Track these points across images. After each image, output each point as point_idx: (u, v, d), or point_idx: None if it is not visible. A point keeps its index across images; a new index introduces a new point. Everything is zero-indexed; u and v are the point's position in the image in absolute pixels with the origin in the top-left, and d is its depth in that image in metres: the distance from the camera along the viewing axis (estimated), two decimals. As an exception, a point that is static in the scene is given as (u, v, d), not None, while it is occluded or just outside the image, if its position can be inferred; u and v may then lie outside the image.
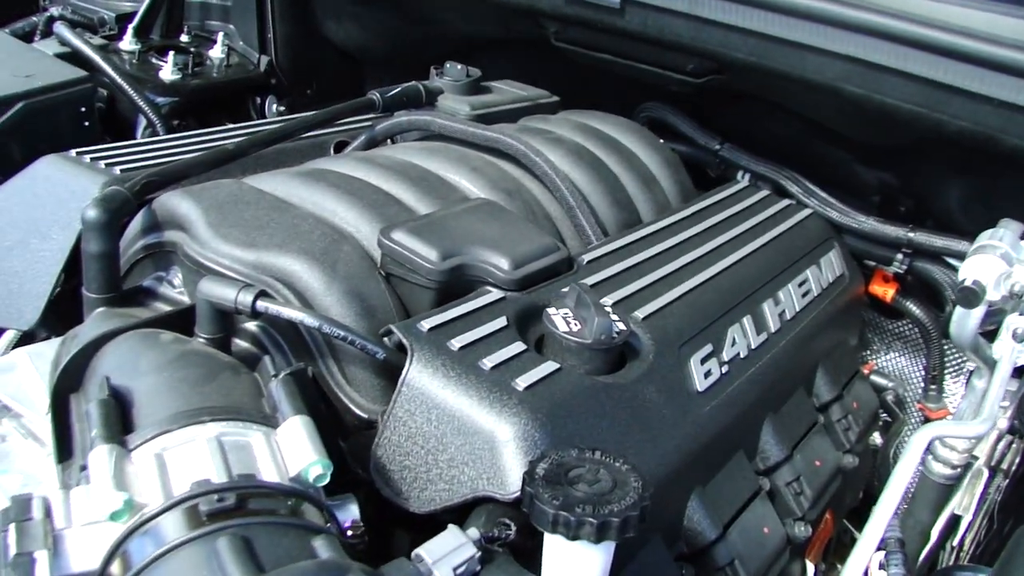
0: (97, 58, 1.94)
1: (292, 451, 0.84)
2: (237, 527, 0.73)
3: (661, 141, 1.79)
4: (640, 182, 1.63)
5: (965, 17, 1.24)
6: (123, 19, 2.21)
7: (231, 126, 1.66)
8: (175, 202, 1.20)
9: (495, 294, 1.14)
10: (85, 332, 1.07)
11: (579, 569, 0.82)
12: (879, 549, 1.30)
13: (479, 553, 0.82)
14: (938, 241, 1.52)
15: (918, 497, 1.43)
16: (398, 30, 2.19)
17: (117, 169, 1.36)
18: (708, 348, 1.21)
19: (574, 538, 0.78)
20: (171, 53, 2.07)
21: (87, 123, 1.83)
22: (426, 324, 1.04)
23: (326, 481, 0.83)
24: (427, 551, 0.80)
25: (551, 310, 1.11)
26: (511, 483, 0.91)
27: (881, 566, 1.31)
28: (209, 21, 2.31)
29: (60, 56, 1.97)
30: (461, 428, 0.94)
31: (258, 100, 2.27)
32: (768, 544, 1.25)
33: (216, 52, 2.22)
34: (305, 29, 2.28)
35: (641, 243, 1.38)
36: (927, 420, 1.74)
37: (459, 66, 1.73)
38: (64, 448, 1.02)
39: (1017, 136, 1.26)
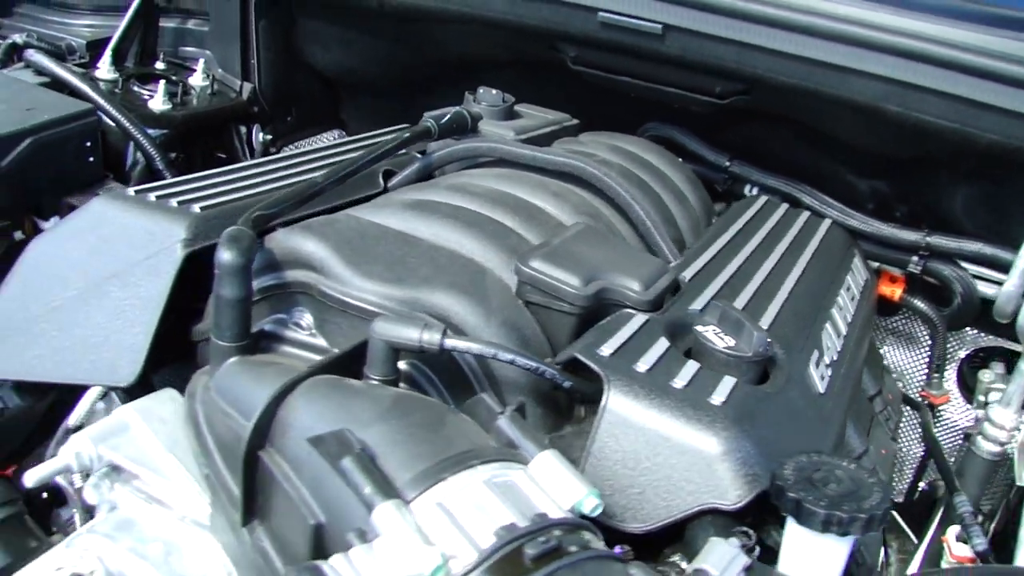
0: (87, 89, 1.82)
1: (557, 485, 0.84)
2: (568, 567, 0.73)
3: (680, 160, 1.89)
4: (675, 200, 1.71)
5: (1000, 43, 1.40)
6: (94, 46, 2.07)
7: (279, 155, 1.61)
8: (298, 241, 1.16)
9: (640, 316, 1.17)
10: (247, 384, 1.03)
11: (830, 563, 0.88)
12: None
13: (750, 561, 0.86)
14: (952, 243, 1.69)
15: (967, 474, 1.58)
16: (390, 54, 2.17)
17: (196, 207, 1.29)
18: (816, 353, 1.30)
19: (844, 534, 0.84)
20: (161, 83, 1.96)
21: (92, 158, 1.72)
22: (606, 350, 1.07)
23: (600, 511, 0.84)
24: (710, 565, 0.83)
25: (700, 328, 1.16)
26: (733, 493, 0.95)
27: (958, 538, 1.44)
28: (183, 47, 2.21)
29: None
30: (674, 447, 0.97)
31: (243, 129, 2.19)
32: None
33: (198, 80, 2.12)
34: (288, 55, 2.22)
35: (720, 259, 1.45)
36: (931, 406, 1.91)
37: (493, 91, 1.75)
38: (250, 509, 0.97)
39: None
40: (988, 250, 1.66)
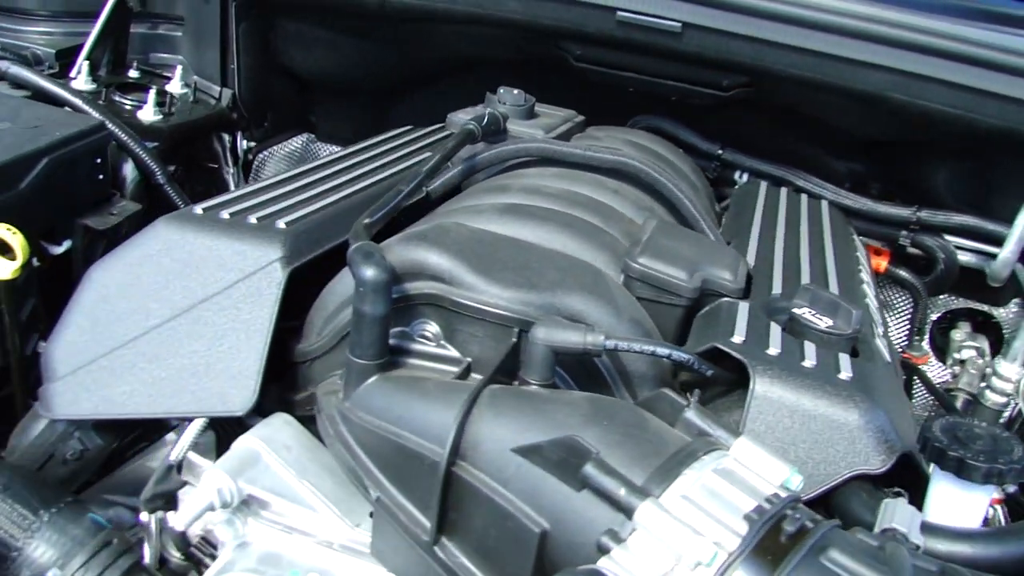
0: (81, 103, 1.71)
1: (762, 467, 0.90)
2: (823, 537, 0.80)
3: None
4: (691, 190, 1.80)
5: (999, 37, 1.56)
6: (62, 55, 1.94)
7: (324, 160, 1.57)
8: (421, 252, 1.16)
9: (743, 304, 1.25)
10: (411, 402, 1.03)
11: (977, 512, 0.99)
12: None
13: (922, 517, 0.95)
14: (942, 217, 1.86)
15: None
16: (377, 56, 2.15)
17: (280, 223, 1.26)
18: (880, 327, 1.41)
19: (1000, 484, 0.95)
20: (151, 92, 1.86)
21: (101, 176, 1.63)
22: (737, 338, 1.13)
23: (802, 486, 0.91)
24: (897, 523, 0.92)
25: (797, 311, 1.24)
26: (876, 459, 1.04)
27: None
28: (155, 54, 2.10)
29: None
30: (821, 422, 1.05)
31: (226, 137, 2.11)
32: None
33: (176, 87, 2.03)
34: (266, 59, 2.15)
35: (764, 244, 1.55)
36: (913, 367, 2.09)
37: (514, 91, 1.77)
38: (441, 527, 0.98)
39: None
40: (973, 222, 1.84)
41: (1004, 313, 2.00)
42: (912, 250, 1.95)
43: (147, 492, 1.17)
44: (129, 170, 1.79)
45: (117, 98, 1.90)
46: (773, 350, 1.12)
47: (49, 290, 1.42)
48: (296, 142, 2.42)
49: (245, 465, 1.09)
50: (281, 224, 1.25)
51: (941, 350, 2.12)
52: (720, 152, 2.07)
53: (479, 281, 1.13)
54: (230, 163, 2.09)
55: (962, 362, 2.00)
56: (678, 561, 0.78)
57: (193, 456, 1.16)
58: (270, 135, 2.27)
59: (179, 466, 1.19)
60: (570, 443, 0.89)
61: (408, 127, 1.84)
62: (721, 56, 1.72)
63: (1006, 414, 1.72)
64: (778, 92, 1.82)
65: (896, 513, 0.94)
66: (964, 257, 1.91)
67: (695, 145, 2.09)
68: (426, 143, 1.73)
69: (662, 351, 1.07)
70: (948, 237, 1.90)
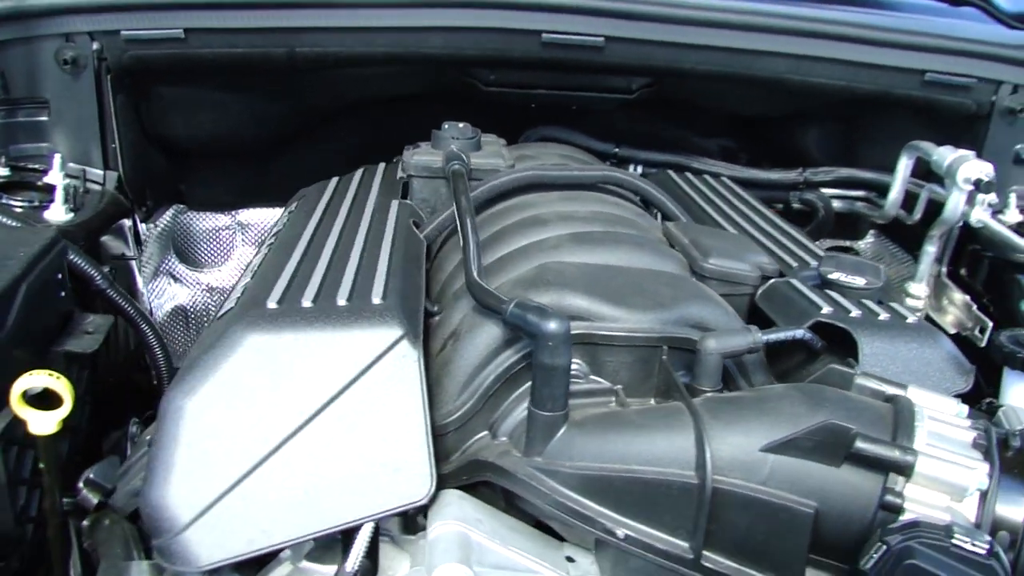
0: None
1: (939, 405, 1.07)
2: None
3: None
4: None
5: (868, 17, 1.87)
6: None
7: (293, 223, 1.48)
8: (554, 297, 1.17)
9: (793, 281, 1.41)
10: (622, 444, 1.06)
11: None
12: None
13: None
14: (826, 175, 2.17)
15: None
16: (268, 110, 2.02)
17: (374, 299, 1.19)
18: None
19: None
20: (59, 187, 1.62)
21: (63, 293, 1.41)
22: (825, 310, 1.29)
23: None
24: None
25: (832, 276, 1.43)
26: (963, 380, 1.25)
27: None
28: (15, 145, 1.80)
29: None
30: (919, 361, 1.24)
31: (127, 224, 1.88)
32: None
33: (56, 179, 1.75)
34: (143, 132, 1.94)
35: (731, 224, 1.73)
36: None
37: (460, 125, 1.77)
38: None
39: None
40: (852, 173, 2.17)
41: (863, 245, 2.38)
42: (796, 206, 2.25)
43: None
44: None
45: (4, 200, 1.62)
46: (856, 313, 1.29)
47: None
48: (166, 217, 2.20)
49: (467, 551, 1.05)
50: (376, 299, 1.19)
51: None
52: (616, 150, 2.22)
53: (617, 311, 1.18)
54: (136, 252, 1.87)
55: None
56: (956, 492, 0.92)
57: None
58: (151, 213, 2.05)
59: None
60: (828, 428, 0.98)
61: (362, 170, 1.79)
62: (640, 63, 1.86)
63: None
64: (681, 88, 2.01)
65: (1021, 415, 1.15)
66: (836, 204, 2.24)
67: (590, 147, 2.22)
68: (387, 187, 1.68)
69: (799, 334, 1.19)
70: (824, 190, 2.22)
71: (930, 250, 1.93)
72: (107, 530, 1.33)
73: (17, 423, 1.19)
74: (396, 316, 1.14)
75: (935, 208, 1.88)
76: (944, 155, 1.76)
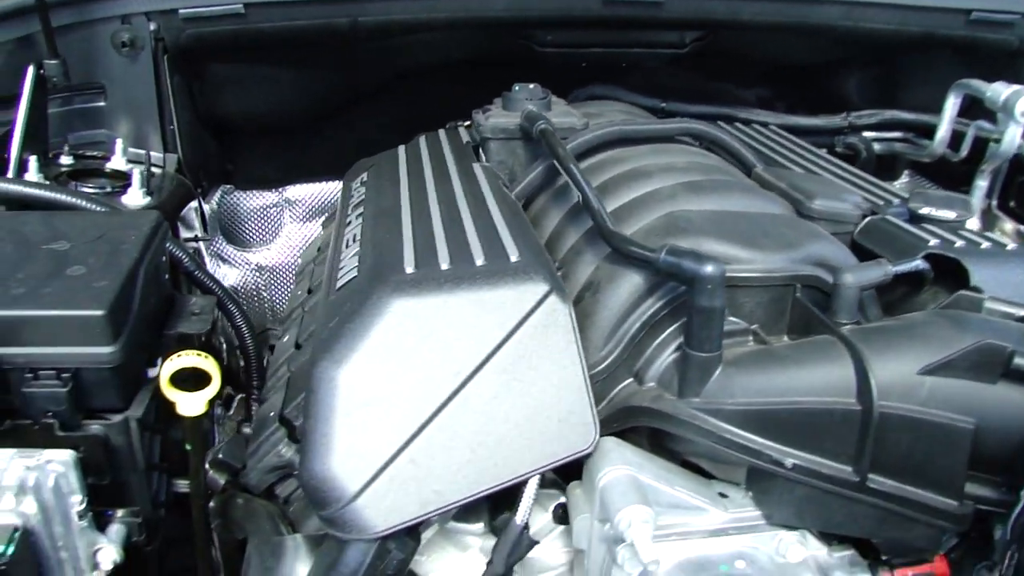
0: (86, 203, 1.43)
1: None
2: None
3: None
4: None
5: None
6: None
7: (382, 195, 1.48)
8: (691, 244, 1.19)
9: (892, 219, 1.44)
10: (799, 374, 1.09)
11: None
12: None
13: None
14: (867, 119, 2.21)
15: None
16: (318, 83, 2.00)
17: (512, 257, 1.19)
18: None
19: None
20: (136, 172, 1.59)
21: (166, 275, 1.41)
22: (932, 242, 1.33)
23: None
24: None
25: (924, 211, 1.47)
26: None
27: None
28: (74, 133, 1.77)
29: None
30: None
31: (192, 205, 1.86)
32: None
33: (119, 164, 1.73)
34: (196, 112, 1.91)
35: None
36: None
37: (530, 86, 1.78)
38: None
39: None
40: (897, 114, 2.21)
41: (898, 184, 2.44)
42: (839, 150, 2.29)
43: (502, 561, 1.12)
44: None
45: (79, 188, 1.60)
46: (959, 243, 1.33)
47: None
48: (214, 197, 2.18)
49: (642, 492, 1.08)
50: (513, 257, 1.19)
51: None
52: (663, 105, 2.24)
53: (750, 254, 1.21)
54: (207, 232, 1.85)
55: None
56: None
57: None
58: (204, 194, 2.03)
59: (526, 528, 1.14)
60: (984, 347, 1.03)
61: (423, 138, 1.78)
62: (698, 16, 1.88)
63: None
64: (732, 40, 2.04)
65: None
66: (877, 147, 2.29)
67: (637, 103, 2.23)
68: (459, 152, 1.69)
69: (920, 265, 1.23)
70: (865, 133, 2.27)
71: (981, 184, 1.99)
72: (244, 508, 1.33)
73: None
74: (540, 272, 1.15)
75: (980, 145, 1.94)
76: (999, 91, 1.80)
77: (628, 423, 1.18)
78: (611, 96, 2.21)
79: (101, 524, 1.18)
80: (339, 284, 1.30)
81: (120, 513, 1.21)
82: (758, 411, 1.08)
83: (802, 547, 1.13)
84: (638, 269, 1.20)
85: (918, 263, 1.25)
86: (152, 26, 1.71)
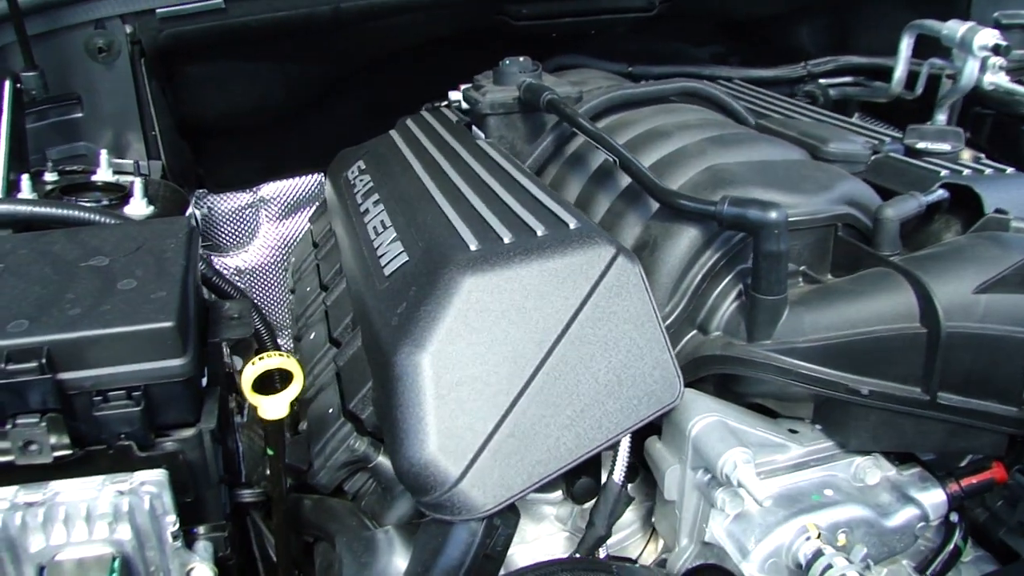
0: (99, 216, 1.37)
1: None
2: None
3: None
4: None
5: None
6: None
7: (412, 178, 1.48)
8: (739, 192, 1.23)
9: (894, 154, 1.53)
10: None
11: None
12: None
13: None
14: (824, 66, 2.30)
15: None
16: (295, 75, 1.95)
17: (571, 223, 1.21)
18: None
19: None
20: (137, 183, 1.53)
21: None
22: (943, 173, 1.41)
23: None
24: None
25: (921, 145, 1.56)
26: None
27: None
28: (52, 148, 1.68)
29: None
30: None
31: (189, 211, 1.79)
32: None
33: (105, 176, 1.65)
34: (178, 115, 1.84)
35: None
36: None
37: (520, 59, 1.78)
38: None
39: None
40: (852, 59, 2.31)
41: (850, 126, 2.56)
42: (799, 98, 2.38)
43: (604, 522, 1.14)
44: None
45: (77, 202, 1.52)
46: (966, 172, 1.42)
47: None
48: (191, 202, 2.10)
49: (736, 436, 1.12)
50: (572, 224, 1.21)
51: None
52: (630, 69, 2.28)
53: (794, 199, 1.26)
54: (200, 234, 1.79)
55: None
56: None
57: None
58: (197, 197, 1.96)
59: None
60: (1032, 263, 1.11)
61: (410, 120, 1.77)
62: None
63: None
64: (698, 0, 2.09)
65: None
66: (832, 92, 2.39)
67: (606, 68, 2.27)
68: (455, 131, 1.69)
69: (943, 194, 1.31)
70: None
71: (941, 118, 2.10)
72: (317, 508, 1.32)
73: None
74: (604, 235, 1.17)
75: (931, 82, 2.05)
76: (955, 28, 1.91)
77: (701, 373, 1.22)
78: (578, 64, 2.24)
79: (188, 543, 1.14)
80: (388, 272, 1.29)
81: (202, 530, 1.17)
82: (829, 345, 1.14)
83: (877, 470, 1.20)
84: (694, 223, 1.24)
85: (941, 192, 1.33)
86: (128, 29, 1.63)
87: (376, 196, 1.56)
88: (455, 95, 1.88)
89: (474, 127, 1.79)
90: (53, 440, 1.01)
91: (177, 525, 1.08)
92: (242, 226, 2.23)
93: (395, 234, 1.37)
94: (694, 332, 1.26)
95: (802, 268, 1.27)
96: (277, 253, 2.30)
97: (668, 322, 1.24)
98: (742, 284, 1.23)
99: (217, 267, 2.22)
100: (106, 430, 1.08)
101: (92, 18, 1.60)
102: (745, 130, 1.53)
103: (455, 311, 1.11)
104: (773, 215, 1.10)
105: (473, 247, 1.17)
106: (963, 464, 1.29)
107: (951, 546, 1.22)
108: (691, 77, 2.21)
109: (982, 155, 2.00)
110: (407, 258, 1.27)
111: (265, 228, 2.27)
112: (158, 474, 1.05)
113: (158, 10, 1.63)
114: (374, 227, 1.46)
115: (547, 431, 1.10)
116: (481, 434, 1.08)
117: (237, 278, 2.26)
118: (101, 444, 1.09)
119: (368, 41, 1.94)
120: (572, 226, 1.19)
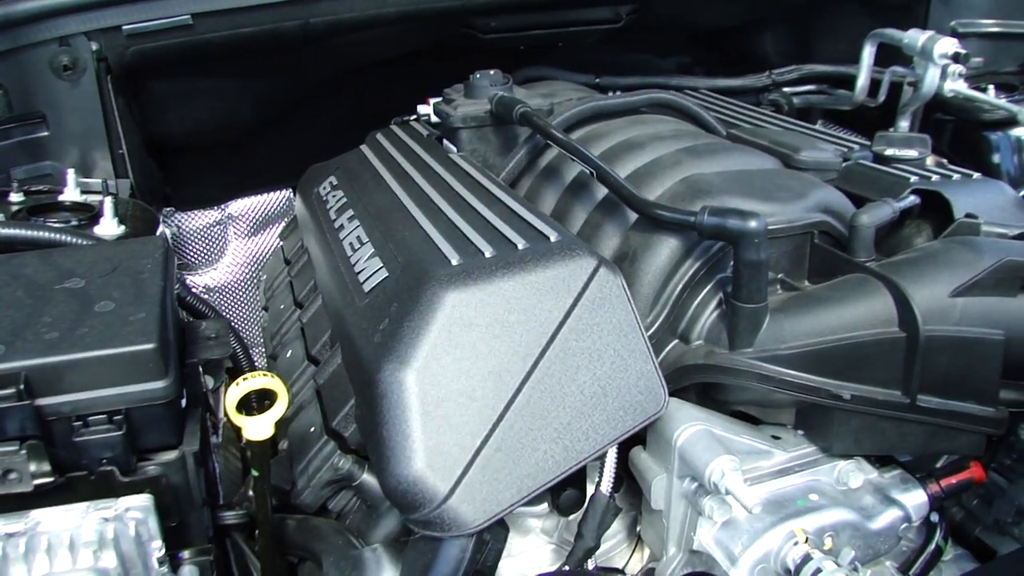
0: (71, 237, 1.35)
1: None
2: None
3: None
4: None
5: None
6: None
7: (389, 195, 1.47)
8: (717, 202, 1.25)
9: (865, 163, 1.56)
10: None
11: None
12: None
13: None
14: (788, 75, 2.34)
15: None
16: (262, 91, 1.94)
17: (552, 237, 1.21)
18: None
19: None
20: (107, 201, 1.50)
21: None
22: (913, 179, 1.45)
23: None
24: None
25: (890, 153, 1.59)
26: None
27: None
28: (17, 168, 1.64)
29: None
30: (996, 206, 1.41)
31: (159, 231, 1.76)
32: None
33: (72, 196, 1.62)
34: (145, 133, 1.81)
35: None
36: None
37: (491, 72, 1.79)
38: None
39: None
40: (815, 68, 2.35)
41: (816, 132, 2.61)
42: (763, 107, 2.42)
43: (593, 534, 1.15)
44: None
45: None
46: (934, 177, 1.46)
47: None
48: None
49: (721, 444, 1.13)
50: (553, 237, 1.21)
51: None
52: (597, 80, 2.30)
53: (770, 207, 1.28)
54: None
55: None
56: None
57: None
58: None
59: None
60: (1007, 265, 1.14)
61: (379, 135, 1.76)
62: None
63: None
64: (664, 11, 2.11)
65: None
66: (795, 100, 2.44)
67: (571, 79, 2.28)
68: (426, 144, 1.69)
69: (915, 200, 1.34)
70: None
71: (903, 124, 2.15)
72: (302, 529, 1.30)
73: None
74: (584, 247, 1.17)
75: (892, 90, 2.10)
76: (915, 37, 1.95)
77: (684, 382, 1.23)
78: (545, 76, 2.25)
79: (174, 567, 1.12)
80: (368, 288, 1.28)
81: (187, 554, 1.15)
82: (811, 352, 1.16)
83: (860, 473, 1.22)
84: (673, 233, 1.25)
85: (913, 198, 1.36)
86: (94, 46, 1.60)
87: (351, 212, 1.55)
88: (424, 109, 1.88)
89: (445, 140, 1.79)
90: (33, 468, 0.99)
91: (163, 550, 1.06)
92: (211, 244, 2.21)
93: (373, 250, 1.36)
94: (676, 341, 1.27)
95: (780, 276, 1.29)
96: (246, 270, 2.28)
97: (650, 332, 1.24)
98: (722, 293, 1.24)
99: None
100: (87, 456, 1.06)
101: (56, 35, 1.57)
102: (718, 140, 1.56)
103: (439, 326, 1.10)
104: (753, 224, 1.12)
105: (455, 261, 1.16)
106: (940, 464, 1.32)
107: (932, 546, 1.25)
108: (658, 88, 2.24)
109: (944, 160, 2.06)
110: (387, 274, 1.26)
111: (234, 245, 2.24)
112: (143, 499, 1.03)
113: (124, 27, 1.60)
114: (350, 243, 1.45)
115: (535, 444, 1.10)
116: (469, 449, 1.07)
117: (207, 296, 2.23)
118: (82, 470, 1.06)
119: (336, 56, 1.93)
120: (553, 239, 1.20)
